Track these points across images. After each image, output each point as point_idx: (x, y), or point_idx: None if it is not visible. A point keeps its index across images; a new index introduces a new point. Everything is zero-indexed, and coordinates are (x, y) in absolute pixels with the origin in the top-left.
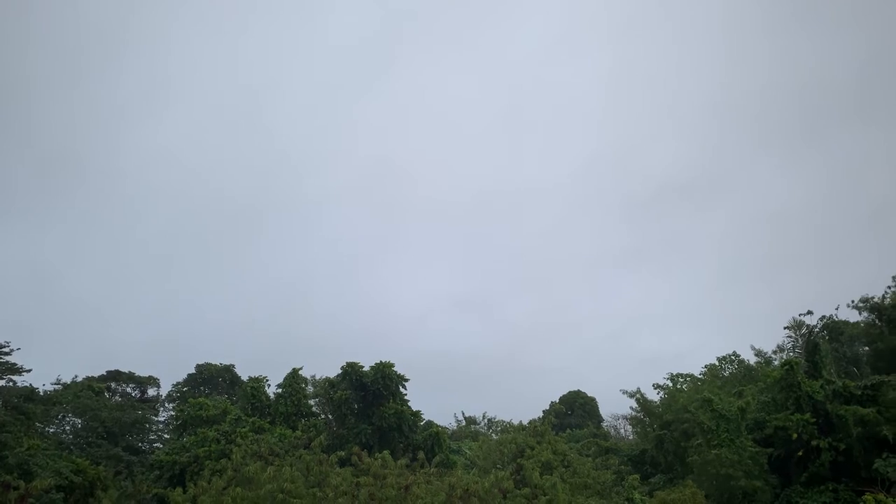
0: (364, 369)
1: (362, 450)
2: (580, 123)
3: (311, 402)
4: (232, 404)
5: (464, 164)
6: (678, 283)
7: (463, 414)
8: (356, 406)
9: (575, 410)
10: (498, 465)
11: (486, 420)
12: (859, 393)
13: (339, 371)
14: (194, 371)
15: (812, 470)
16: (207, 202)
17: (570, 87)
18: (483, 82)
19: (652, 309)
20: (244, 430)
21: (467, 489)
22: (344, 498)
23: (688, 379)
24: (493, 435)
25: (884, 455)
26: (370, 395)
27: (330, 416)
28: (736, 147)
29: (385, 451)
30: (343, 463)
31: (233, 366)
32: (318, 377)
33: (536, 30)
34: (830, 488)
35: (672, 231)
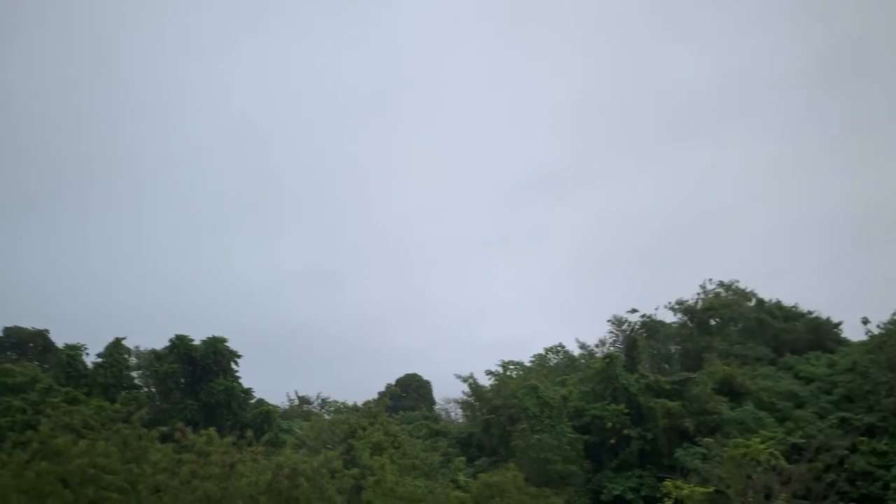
0: (195, 343)
1: (187, 426)
2: (455, 108)
3: (134, 374)
4: (43, 372)
5: (337, 135)
6: (532, 273)
7: (296, 393)
8: (183, 380)
9: (410, 393)
10: (329, 446)
11: (319, 400)
12: (668, 387)
13: (168, 343)
14: (1, 334)
15: (622, 457)
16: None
17: (450, 71)
18: (367, 57)
19: (503, 296)
20: (56, 400)
21: (295, 468)
22: (163, 475)
23: (518, 366)
24: (325, 415)
25: (685, 445)
26: (199, 370)
27: (154, 390)
28: (601, 146)
29: (211, 428)
30: (165, 439)
31: (47, 331)
32: (143, 349)
33: (423, 12)
34: (637, 474)
35: (532, 221)
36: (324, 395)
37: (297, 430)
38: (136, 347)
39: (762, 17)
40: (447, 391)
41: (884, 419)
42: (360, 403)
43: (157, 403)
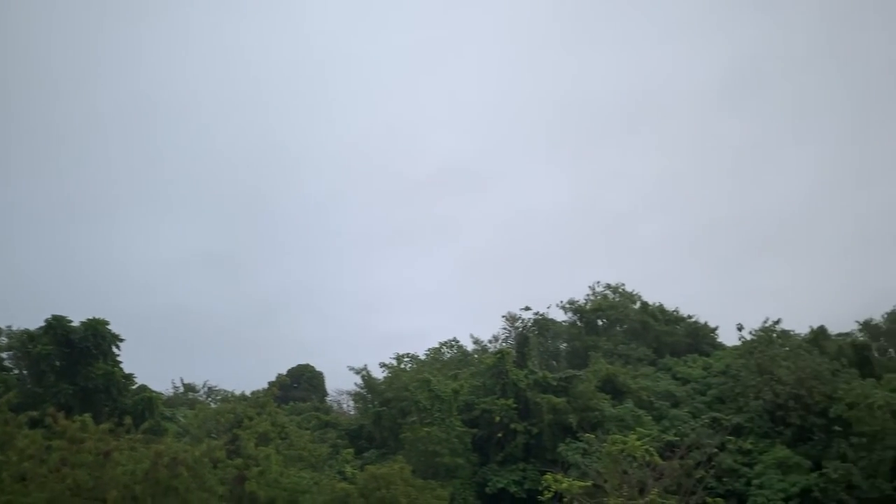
0: (73, 324)
1: (60, 411)
2: (367, 98)
3: (4, 355)
4: None
5: (248, 114)
6: (437, 267)
7: (182, 380)
8: (59, 363)
9: (302, 383)
10: (213, 435)
11: (206, 388)
12: (555, 384)
13: (43, 324)
14: None
15: (508, 450)
16: None
17: (364, 61)
18: (275, 40)
19: (407, 289)
20: None
21: (175, 457)
22: (30, 462)
23: (412, 360)
24: (212, 404)
25: (567, 440)
26: (77, 353)
27: (25, 373)
28: (513, 145)
29: (86, 415)
30: (35, 424)
31: None
32: (14, 328)
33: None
34: (521, 468)
35: (440, 216)
36: (211, 383)
37: (180, 418)
38: (8, 327)
39: (675, 33)
40: (341, 383)
41: (750, 420)
42: (248, 393)
43: (29, 387)
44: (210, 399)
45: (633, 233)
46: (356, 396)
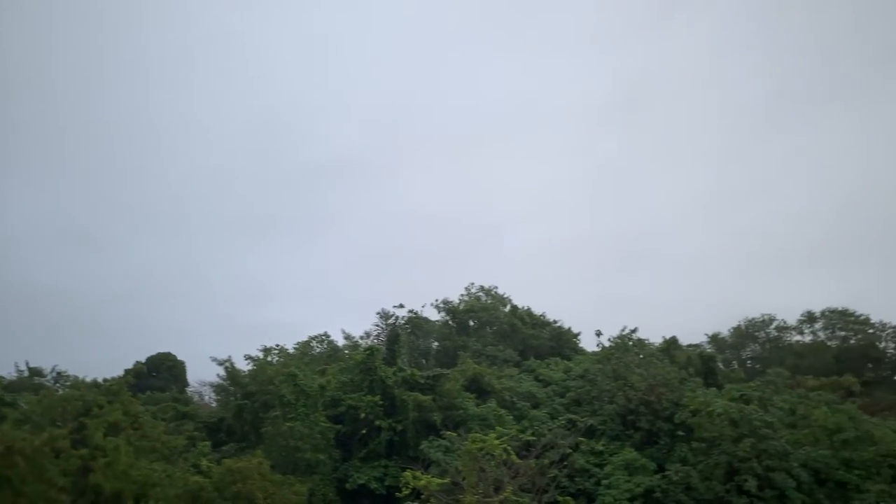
0: None
1: None
2: (264, 79)
3: None
4: None
5: (124, 82)
6: (318, 258)
7: (27, 364)
8: None
9: (161, 372)
10: (58, 423)
11: (54, 373)
12: (423, 382)
13: None
14: None
15: (371, 447)
16: None
17: (259, 42)
18: (168, 16)
19: (286, 279)
20: None
21: (11, 446)
22: None
23: (280, 353)
24: (60, 390)
25: (431, 438)
26: None
27: None
28: (404, 145)
29: None
30: None
31: None
32: None
33: None
34: (383, 464)
35: (325, 207)
36: (61, 368)
37: (22, 404)
38: None
39: (567, 49)
40: (204, 374)
41: (604, 422)
42: (101, 380)
43: None
44: (58, 385)
45: (510, 238)
46: (218, 388)
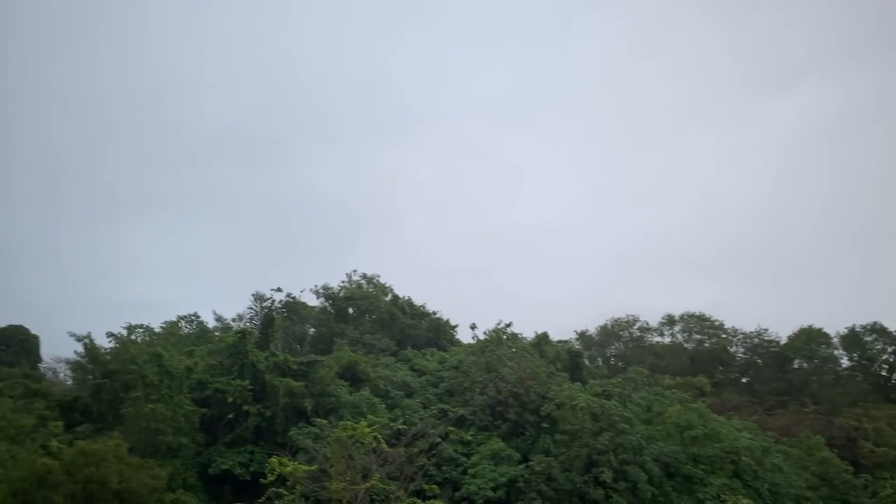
0: None
1: None
2: (150, 45)
3: None
4: None
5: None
6: (196, 237)
7: None
8: None
9: (12, 346)
10: None
11: None
12: (296, 368)
13: None
14: None
15: (238, 432)
16: None
17: (140, 18)
18: None
19: (160, 257)
20: None
21: None
22: None
23: (146, 331)
24: None
25: (300, 424)
26: None
27: None
28: (304, 123)
29: None
30: None
31: None
32: None
33: None
34: (249, 450)
35: (213, 182)
36: None
37: None
38: None
39: (478, 44)
40: (60, 350)
41: (474, 413)
42: None
43: None
44: None
45: (403, 228)
46: (75, 366)
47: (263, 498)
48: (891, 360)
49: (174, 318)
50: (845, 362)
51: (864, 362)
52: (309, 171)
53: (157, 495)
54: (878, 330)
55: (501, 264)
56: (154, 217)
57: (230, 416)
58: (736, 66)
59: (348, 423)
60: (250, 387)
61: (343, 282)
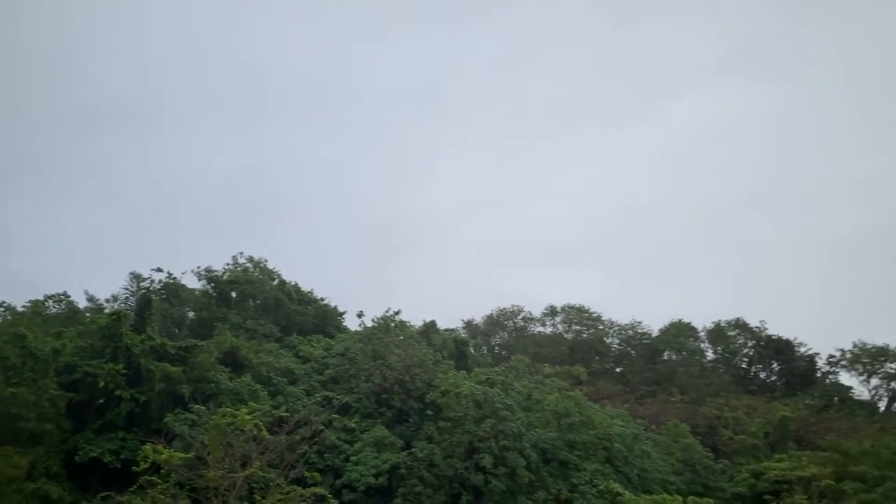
0: None
1: None
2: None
3: None
4: None
5: None
6: (78, 208)
7: None
8: None
9: None
10: None
11: None
12: (174, 352)
13: None
14: None
15: (108, 418)
16: None
17: None
18: None
19: (30, 227)
20: None
21: None
22: None
23: (7, 310)
24: None
25: (177, 411)
26: None
27: None
28: (193, 96)
29: None
30: None
31: None
32: None
33: None
34: (120, 437)
35: (93, 153)
36: None
37: None
38: None
39: (381, 33)
40: None
41: (359, 400)
42: None
43: None
44: None
45: (297, 213)
46: None
47: (135, 487)
48: (751, 353)
49: (40, 297)
50: (710, 355)
51: (727, 355)
52: (202, 148)
53: (15, 485)
54: (740, 325)
55: (394, 252)
56: (24, 185)
57: (101, 401)
58: (630, 69)
59: (228, 409)
60: (124, 371)
61: (228, 264)
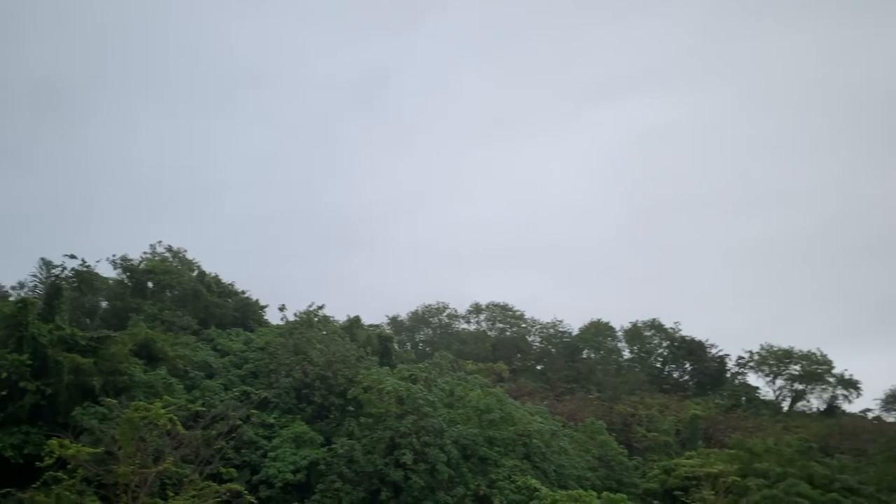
0: None
1: None
2: None
3: None
4: None
5: None
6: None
7: None
8: None
9: None
10: None
11: None
12: (84, 343)
13: None
14: None
15: (11, 411)
16: None
17: None
18: None
19: None
20: None
21: None
22: None
23: None
24: None
25: (86, 404)
26: None
27: None
28: (115, 79)
29: None
30: None
31: None
32: None
33: None
34: (24, 430)
35: (9, 136)
36: None
37: None
38: None
39: (318, 25)
40: None
41: (278, 396)
42: None
43: None
44: None
45: (224, 204)
46: None
47: (38, 483)
48: (665, 353)
49: None
50: (627, 354)
51: (643, 355)
52: (124, 134)
53: None
54: (656, 326)
55: (326, 247)
56: None
57: (3, 392)
58: (566, 74)
59: (141, 403)
60: (29, 362)
61: (146, 253)
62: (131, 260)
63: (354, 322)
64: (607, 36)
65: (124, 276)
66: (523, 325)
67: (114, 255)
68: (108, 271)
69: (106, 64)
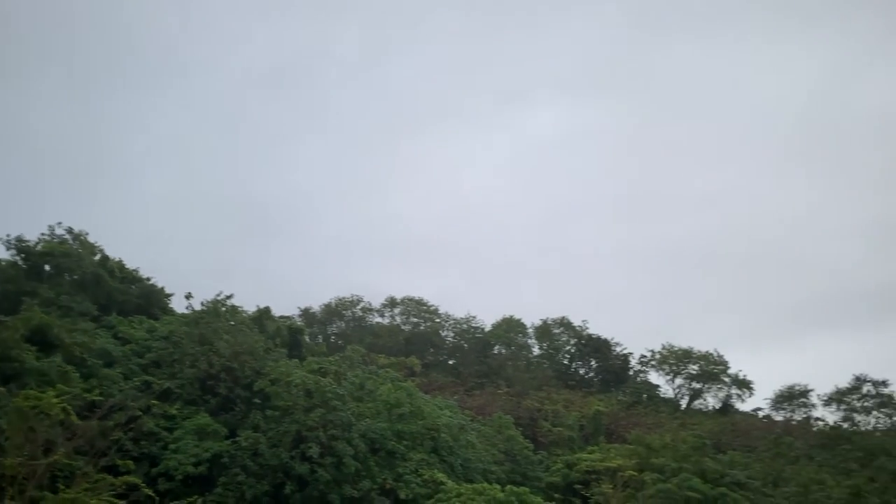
0: None
1: None
2: None
3: None
4: None
5: None
6: None
7: None
8: None
9: None
10: None
11: None
12: None
13: None
14: None
15: None
16: None
17: None
18: None
19: None
20: None
21: None
22: None
23: None
24: None
25: None
26: None
27: None
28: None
29: None
30: None
31: None
32: None
33: None
34: None
35: None
36: None
37: None
38: None
39: (233, 13)
40: None
41: (182, 386)
42: None
43: None
44: None
45: (135, 187)
46: None
47: None
48: (572, 350)
49: None
50: (536, 350)
51: (552, 351)
52: (30, 109)
53: None
54: (565, 324)
55: (243, 235)
56: None
57: None
58: (490, 75)
59: (32, 392)
60: None
61: (44, 234)
62: (27, 241)
63: (264, 313)
64: (526, 39)
65: (19, 258)
66: (437, 320)
67: (7, 236)
68: (1, 252)
69: (11, 30)
